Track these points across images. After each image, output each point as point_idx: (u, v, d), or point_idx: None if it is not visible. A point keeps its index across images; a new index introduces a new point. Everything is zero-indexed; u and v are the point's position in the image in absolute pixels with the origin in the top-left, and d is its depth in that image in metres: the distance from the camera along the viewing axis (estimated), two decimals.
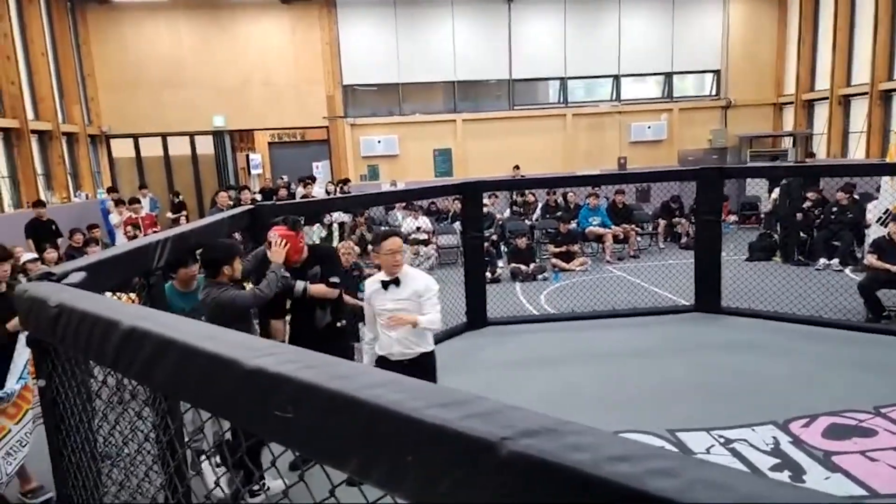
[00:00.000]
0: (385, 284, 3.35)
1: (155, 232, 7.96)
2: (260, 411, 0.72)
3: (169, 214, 11.50)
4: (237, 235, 5.28)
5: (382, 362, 3.36)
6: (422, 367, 3.34)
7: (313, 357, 0.74)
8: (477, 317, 6.62)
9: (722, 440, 3.91)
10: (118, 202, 10.30)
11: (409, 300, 3.32)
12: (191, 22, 13.57)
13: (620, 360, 5.48)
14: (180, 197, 12.34)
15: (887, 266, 6.29)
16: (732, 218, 12.94)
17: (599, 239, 10.53)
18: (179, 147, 13.98)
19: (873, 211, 8.37)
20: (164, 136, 13.79)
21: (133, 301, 2.86)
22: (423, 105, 14.71)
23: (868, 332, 5.90)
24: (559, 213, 11.10)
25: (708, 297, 6.70)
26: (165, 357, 0.88)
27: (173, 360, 0.87)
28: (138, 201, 10.22)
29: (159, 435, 1.75)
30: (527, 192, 12.24)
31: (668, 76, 15.45)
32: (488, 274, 8.03)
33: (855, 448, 3.75)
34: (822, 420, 4.09)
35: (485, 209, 8.06)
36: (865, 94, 12.96)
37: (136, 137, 13.69)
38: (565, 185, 11.30)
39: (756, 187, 13.53)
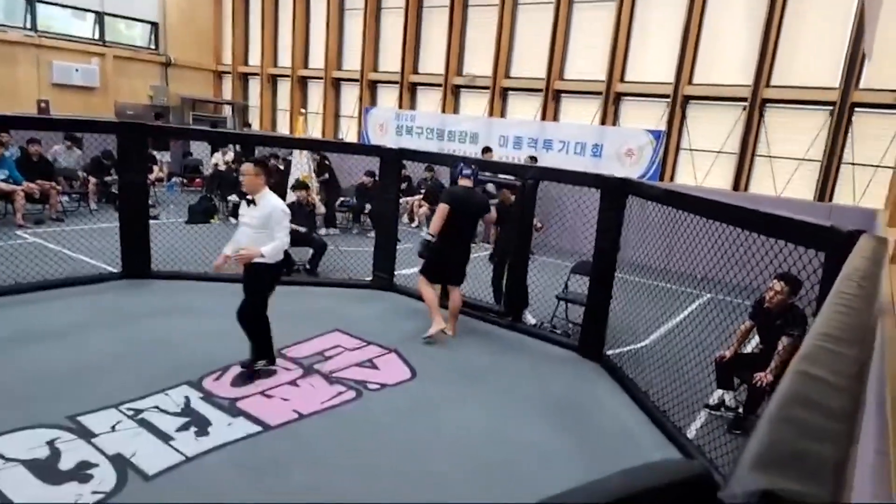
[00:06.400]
0: (248, 202, 4.21)
1: None
2: None
3: None
4: None
5: None
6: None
7: None
8: None
9: (131, 412, 3.68)
10: None
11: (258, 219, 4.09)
12: None
13: (24, 344, 4.52)
14: None
15: (296, 228, 7.37)
16: (175, 180, 12.82)
17: (7, 197, 8.53)
18: None
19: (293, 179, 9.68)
20: None
21: None
22: None
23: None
24: None
25: (136, 262, 6.32)
26: None
27: None
28: None
29: None
30: None
31: (100, 15, 13.80)
32: None
33: (256, 390, 4.19)
34: (233, 370, 4.40)
35: None
36: (288, 76, 14.95)
37: None
38: None
39: (199, 151, 13.77)
